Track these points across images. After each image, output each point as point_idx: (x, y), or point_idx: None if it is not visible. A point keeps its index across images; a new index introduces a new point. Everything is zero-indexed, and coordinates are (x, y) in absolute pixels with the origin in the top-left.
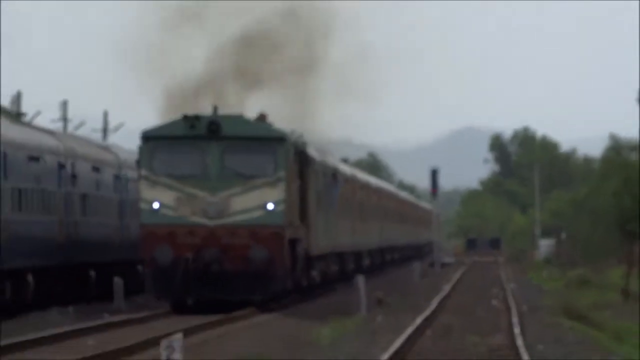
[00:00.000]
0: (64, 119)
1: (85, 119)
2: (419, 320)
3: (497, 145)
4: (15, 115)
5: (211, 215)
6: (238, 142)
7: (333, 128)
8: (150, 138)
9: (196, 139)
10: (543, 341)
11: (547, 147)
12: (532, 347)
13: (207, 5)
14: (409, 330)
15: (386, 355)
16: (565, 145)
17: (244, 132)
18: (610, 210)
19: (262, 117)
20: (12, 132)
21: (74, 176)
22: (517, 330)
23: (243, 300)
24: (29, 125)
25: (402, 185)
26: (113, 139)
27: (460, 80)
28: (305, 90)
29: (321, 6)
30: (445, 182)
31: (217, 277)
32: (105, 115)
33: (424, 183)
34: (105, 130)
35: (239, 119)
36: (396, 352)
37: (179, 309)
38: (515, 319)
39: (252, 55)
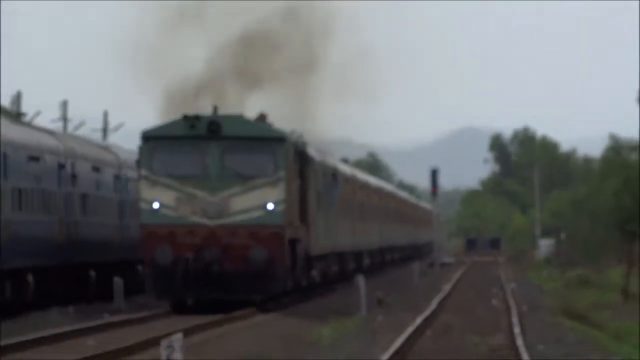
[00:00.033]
0: (64, 119)
1: (85, 119)
2: (419, 320)
3: (497, 145)
4: (15, 115)
5: (211, 215)
6: (238, 142)
7: (333, 128)
8: (150, 138)
9: (196, 139)
10: (543, 341)
11: (547, 147)
12: (532, 347)
13: (207, 5)
14: (409, 330)
15: (386, 354)
16: (565, 145)
17: (244, 132)
18: (610, 210)
19: (262, 117)
20: (12, 132)
21: (74, 176)
22: (517, 330)
23: (243, 300)
24: (29, 125)
25: (402, 185)
26: (113, 139)
27: (460, 80)
28: (305, 90)
29: (321, 6)
30: (446, 182)
31: (218, 277)
32: (105, 115)
33: (424, 183)
34: (105, 130)
35: (239, 119)
36: (396, 352)
37: (179, 308)
38: (515, 319)
39: (252, 55)
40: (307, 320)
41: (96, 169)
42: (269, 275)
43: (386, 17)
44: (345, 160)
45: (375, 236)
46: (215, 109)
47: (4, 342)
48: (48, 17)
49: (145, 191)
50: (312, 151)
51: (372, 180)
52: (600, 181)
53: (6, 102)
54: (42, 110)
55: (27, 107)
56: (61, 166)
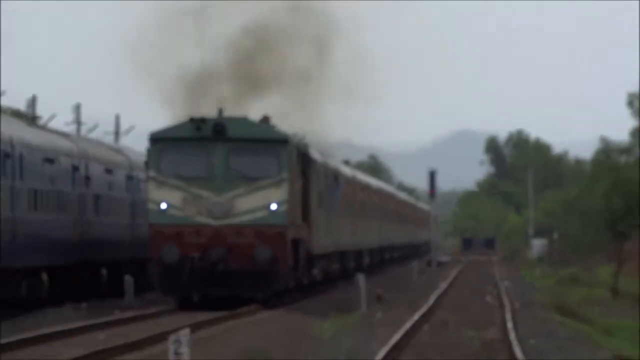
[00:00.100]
0: (78, 122)
1: (98, 122)
2: (416, 316)
3: (493, 147)
4: (30, 118)
5: (216, 216)
6: (243, 143)
7: (334, 130)
8: (157, 140)
9: (202, 141)
10: (535, 336)
11: (541, 150)
12: (525, 341)
13: (210, 5)
14: (407, 325)
15: (385, 348)
16: (557, 148)
17: (249, 134)
18: (600, 211)
19: (265, 120)
20: (28, 134)
21: (87, 177)
22: (510, 325)
23: (247, 297)
24: (44, 128)
25: (401, 187)
26: (124, 141)
27: (459, 81)
28: (307, 93)
29: (323, 9)
30: (444, 184)
31: (222, 275)
32: (117, 118)
33: (423, 184)
34: (117, 133)
35: (243, 121)
36: (395, 346)
37: (185, 305)
38: (508, 315)
39: (254, 58)
40: (309, 316)
41: (108, 170)
42: (272, 274)
43: (386, 18)
44: (346, 162)
45: (375, 236)
46: (220, 111)
47: (20, 337)
48: (58, 20)
49: (153, 192)
50: (314, 153)
51: (373, 181)
52: (591, 183)
53: (22, 106)
54: (56, 114)
55: (42, 111)
56: (75, 168)
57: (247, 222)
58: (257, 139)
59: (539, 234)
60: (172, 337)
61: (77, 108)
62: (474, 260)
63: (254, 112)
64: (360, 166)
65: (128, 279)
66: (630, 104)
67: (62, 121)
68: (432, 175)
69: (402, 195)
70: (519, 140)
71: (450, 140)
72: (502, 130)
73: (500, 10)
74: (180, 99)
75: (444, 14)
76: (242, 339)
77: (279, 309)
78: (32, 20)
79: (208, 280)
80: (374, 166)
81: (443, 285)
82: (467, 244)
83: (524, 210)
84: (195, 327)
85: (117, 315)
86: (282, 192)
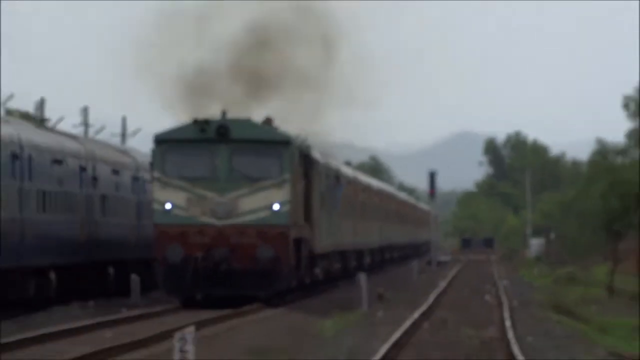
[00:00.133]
0: (85, 124)
1: (105, 124)
2: (416, 315)
3: (491, 149)
4: (39, 120)
5: (220, 216)
6: (246, 145)
7: (336, 132)
8: (162, 141)
9: (206, 142)
10: (533, 334)
11: (538, 151)
12: (522, 339)
13: (211, 5)
14: (408, 324)
15: (386, 346)
16: (555, 149)
17: (252, 135)
18: (596, 211)
19: (268, 121)
20: (36, 136)
21: (94, 178)
22: (508, 323)
23: (249, 296)
24: (52, 130)
25: (402, 187)
26: (131, 143)
27: (458, 85)
28: (309, 95)
29: (324, 9)
30: (444, 184)
31: (226, 275)
32: (124, 120)
33: (423, 185)
34: (123, 135)
35: (246, 123)
36: (395, 343)
37: (189, 304)
38: (506, 313)
39: (256, 59)
40: (311, 315)
41: (115, 171)
42: (274, 273)
43: (386, 18)
44: (348, 163)
45: (376, 235)
46: (223, 113)
47: (28, 335)
48: (58, 19)
49: (158, 192)
50: (316, 154)
51: (373, 182)
52: (587, 184)
53: (31, 108)
54: (64, 116)
55: (51, 113)
56: (82, 169)
57: (250, 222)
58: (260, 140)
59: (536, 234)
60: (177, 335)
61: (85, 110)
62: (473, 260)
63: (256, 114)
64: (361, 167)
65: (134, 278)
66: (626, 106)
67: (70, 123)
68: (432, 176)
69: (403, 195)
70: (517, 142)
71: (450, 142)
72: (501, 132)
73: (500, 10)
74: (181, 100)
75: (444, 14)
76: (245, 337)
77: (281, 308)
78: (33, 20)
79: (211, 280)
80: (374, 167)
81: (442, 285)
82: (467, 243)
83: (521, 212)
84: (199, 325)
85: (124, 313)
86: (284, 192)
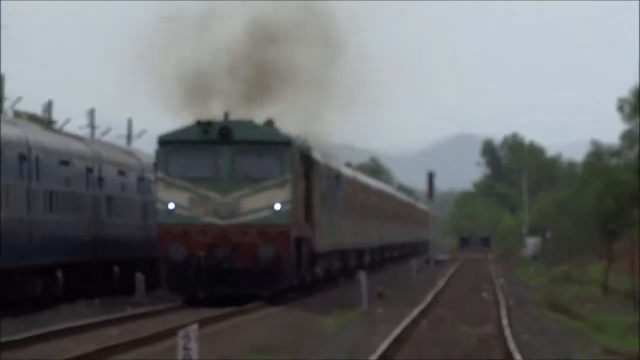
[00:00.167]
0: (92, 126)
1: (111, 126)
2: (415, 312)
3: (489, 150)
4: (46, 122)
5: (222, 215)
6: (248, 146)
7: (336, 133)
8: (166, 142)
9: (209, 143)
10: (529, 331)
11: (535, 152)
12: (519, 337)
13: (213, 5)
14: (407, 321)
15: (386, 342)
16: (551, 150)
17: (253, 136)
18: (591, 211)
19: (269, 123)
20: (44, 138)
21: (100, 179)
22: (505, 321)
23: (251, 294)
24: (59, 131)
25: (401, 188)
26: (136, 145)
27: (457, 87)
28: (310, 96)
29: (325, 10)
30: (442, 185)
31: (228, 274)
32: (130, 122)
33: (422, 185)
34: (129, 137)
35: (248, 125)
36: (395, 340)
37: (192, 302)
38: (503, 311)
39: (257, 61)
40: (312, 313)
41: (121, 172)
42: (276, 272)
43: (386, 18)
44: (348, 165)
45: (376, 235)
46: (226, 114)
47: (35, 333)
48: (58, 19)
49: (162, 192)
50: (316, 155)
51: (373, 182)
52: (583, 184)
53: (38, 110)
54: (71, 118)
55: (58, 115)
56: (89, 170)
57: (252, 221)
58: (261, 141)
59: (532, 233)
60: (181, 333)
61: (91, 113)
62: (470, 259)
63: (258, 115)
64: (361, 168)
65: (139, 277)
66: (620, 108)
67: (76, 125)
68: (431, 177)
69: (402, 195)
70: (514, 144)
71: (449, 143)
72: (498, 133)
73: (500, 10)
74: (182, 101)
75: (444, 14)
76: (248, 334)
77: (282, 306)
78: (33, 20)
79: (214, 279)
80: (374, 168)
81: (441, 283)
82: (464, 243)
83: (518, 212)
84: (202, 323)
85: (129, 311)
86: (285, 192)
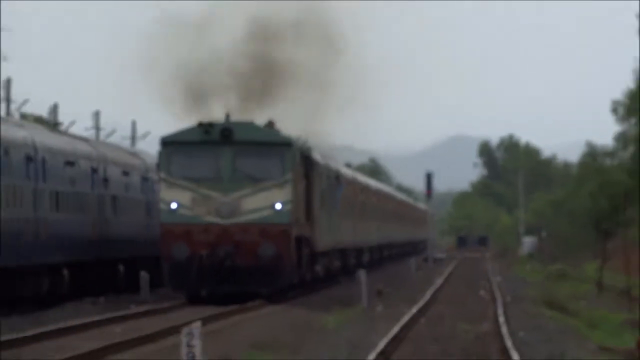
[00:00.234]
0: (97, 128)
1: (116, 128)
2: (414, 310)
3: (486, 151)
4: (52, 124)
5: (224, 215)
6: (249, 146)
7: (336, 134)
8: (168, 143)
9: (210, 144)
10: (525, 328)
11: (530, 153)
12: (515, 334)
13: (216, 6)
14: (406, 319)
15: (385, 339)
16: (546, 151)
17: (254, 137)
18: (586, 210)
19: (270, 124)
20: (50, 139)
21: (105, 179)
22: (502, 318)
23: (252, 292)
24: (65, 133)
25: (400, 188)
26: (141, 146)
27: (456, 88)
28: (310, 97)
29: (325, 10)
30: (440, 185)
31: (230, 272)
32: (134, 124)
33: (420, 185)
34: (133, 138)
35: (249, 126)
36: (394, 337)
37: (194, 300)
38: (500, 309)
39: (257, 62)
40: (313, 310)
41: (125, 172)
42: (277, 270)
43: (386, 18)
44: (348, 165)
45: (375, 234)
46: (227, 116)
47: (41, 330)
48: (58, 19)
49: (164, 192)
50: (316, 155)
51: (372, 182)
52: (577, 185)
53: (44, 113)
54: (76, 120)
55: (63, 117)
56: (94, 170)
57: (253, 220)
58: (262, 142)
59: (528, 232)
60: (184, 330)
61: (96, 115)
62: (468, 257)
63: (258, 116)
64: (361, 169)
65: (143, 275)
66: (614, 110)
67: (81, 127)
68: (429, 177)
69: (401, 195)
70: (510, 145)
71: (447, 144)
72: (495, 135)
73: (500, 10)
74: (183, 101)
75: (444, 14)
76: (249, 332)
77: (283, 304)
78: (33, 20)
79: (216, 277)
80: (374, 169)
81: (439, 281)
82: (462, 242)
83: (514, 211)
84: (205, 321)
85: (133, 309)
86: (286, 192)
